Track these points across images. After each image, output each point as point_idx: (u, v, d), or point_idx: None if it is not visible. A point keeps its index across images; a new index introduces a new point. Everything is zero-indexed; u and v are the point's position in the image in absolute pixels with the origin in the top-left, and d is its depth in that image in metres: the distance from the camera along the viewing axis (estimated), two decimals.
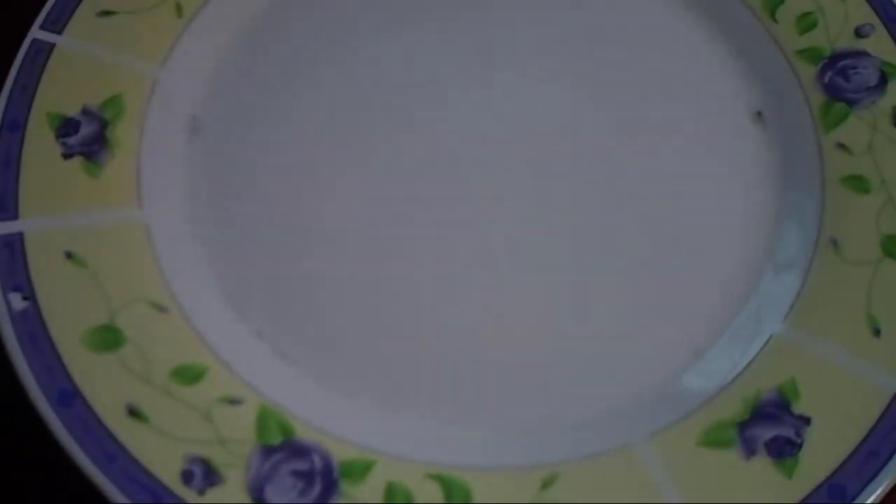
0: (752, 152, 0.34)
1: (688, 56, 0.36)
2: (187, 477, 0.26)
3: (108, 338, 0.29)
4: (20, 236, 0.30)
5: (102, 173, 0.32)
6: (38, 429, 0.27)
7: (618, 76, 0.35)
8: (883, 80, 0.33)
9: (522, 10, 0.36)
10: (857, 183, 0.32)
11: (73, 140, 0.32)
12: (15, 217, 0.30)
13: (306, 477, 0.27)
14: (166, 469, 0.26)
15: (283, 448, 0.27)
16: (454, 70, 0.35)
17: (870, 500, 0.26)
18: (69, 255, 0.30)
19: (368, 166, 0.33)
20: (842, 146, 0.33)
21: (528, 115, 0.34)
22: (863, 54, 0.34)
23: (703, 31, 0.36)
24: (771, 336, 0.30)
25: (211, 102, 0.34)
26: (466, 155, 0.33)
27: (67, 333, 0.28)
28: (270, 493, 0.26)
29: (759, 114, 0.35)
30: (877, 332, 0.29)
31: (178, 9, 0.35)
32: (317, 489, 0.27)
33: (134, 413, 0.27)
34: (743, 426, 0.28)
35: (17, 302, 0.29)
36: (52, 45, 0.33)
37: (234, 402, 0.28)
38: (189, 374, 0.28)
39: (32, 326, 0.28)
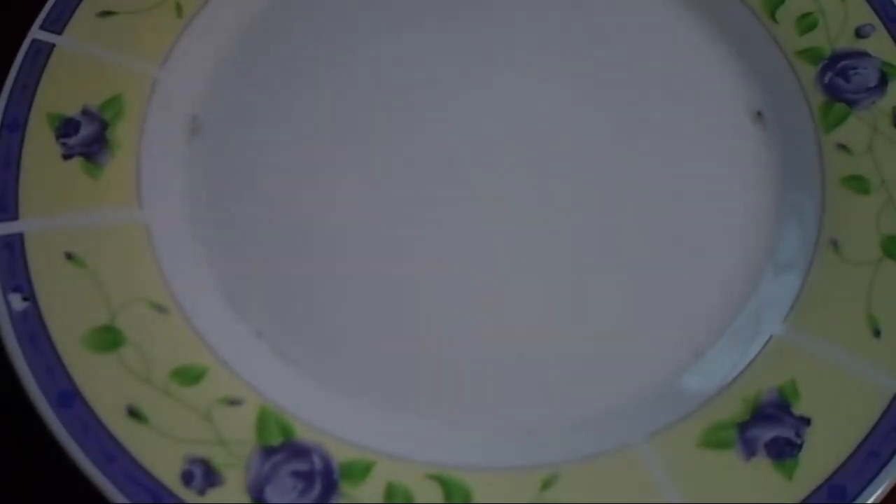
0: (752, 152, 0.34)
1: (688, 56, 0.36)
2: (187, 477, 0.26)
3: (108, 338, 0.29)
4: (20, 237, 0.30)
5: (102, 173, 0.32)
6: (38, 429, 0.27)
7: (618, 76, 0.35)
8: (883, 81, 0.33)
9: (522, 10, 0.36)
10: (857, 183, 0.32)
11: (73, 140, 0.32)
12: (15, 217, 0.30)
13: (306, 477, 0.27)
14: (166, 469, 0.26)
15: (283, 449, 0.27)
16: (454, 70, 0.35)
17: (870, 501, 0.26)
18: (69, 256, 0.30)
19: (368, 166, 0.33)
20: (842, 146, 0.33)
21: (528, 115, 0.34)
22: (863, 55, 0.34)
23: (703, 31, 0.36)
24: (771, 336, 0.30)
25: (211, 102, 0.34)
26: (466, 155, 0.33)
27: (67, 334, 0.28)
28: (270, 493, 0.26)
29: (759, 114, 0.35)
30: (877, 333, 0.29)
31: (178, 9, 0.35)
32: (317, 490, 0.27)
33: (134, 413, 0.27)
34: (743, 427, 0.28)
35: (17, 302, 0.29)
36: (52, 45, 0.33)
37: (234, 402, 0.28)
38: (189, 375, 0.28)
39: (32, 327, 0.28)
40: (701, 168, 0.33)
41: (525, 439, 0.29)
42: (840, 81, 0.34)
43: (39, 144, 0.31)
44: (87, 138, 0.32)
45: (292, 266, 0.32)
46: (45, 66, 0.33)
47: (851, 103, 0.33)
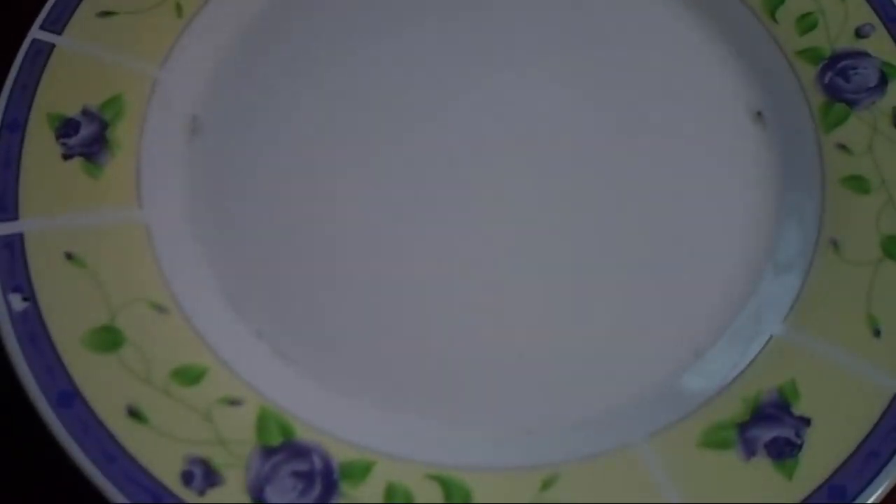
0: (752, 152, 0.34)
1: (688, 56, 0.36)
2: (187, 477, 0.26)
3: (108, 338, 0.29)
4: (20, 237, 0.30)
5: (102, 173, 0.32)
6: (38, 429, 0.27)
7: (618, 76, 0.35)
8: (883, 81, 0.33)
9: (522, 10, 0.36)
10: (857, 183, 0.32)
11: (73, 140, 0.32)
12: (15, 217, 0.30)
13: (306, 478, 0.27)
14: (166, 469, 0.26)
15: (283, 449, 0.27)
16: (454, 70, 0.35)
17: (870, 501, 0.26)
18: (69, 256, 0.30)
19: (368, 166, 0.33)
20: (842, 146, 0.33)
21: (528, 115, 0.34)
22: (863, 55, 0.34)
23: (703, 31, 0.36)
24: (771, 336, 0.30)
25: (211, 102, 0.34)
26: (466, 155, 0.33)
27: (67, 334, 0.28)
28: (270, 493, 0.26)
29: (759, 114, 0.35)
30: (877, 333, 0.29)
31: (178, 9, 0.35)
32: (317, 490, 0.27)
33: (134, 413, 0.27)
34: (743, 427, 0.28)
35: (17, 302, 0.29)
36: (52, 45, 0.33)
37: (234, 402, 0.28)
38: (189, 375, 0.28)
39: (32, 327, 0.28)
40: (701, 168, 0.33)
41: (525, 439, 0.29)
42: (840, 81, 0.34)
43: (39, 144, 0.31)
44: (87, 138, 0.32)
45: (292, 266, 0.32)
46: (45, 66, 0.33)
47: (851, 103, 0.33)
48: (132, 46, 0.34)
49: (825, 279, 0.30)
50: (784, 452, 0.27)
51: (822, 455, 0.27)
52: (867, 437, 0.27)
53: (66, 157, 0.32)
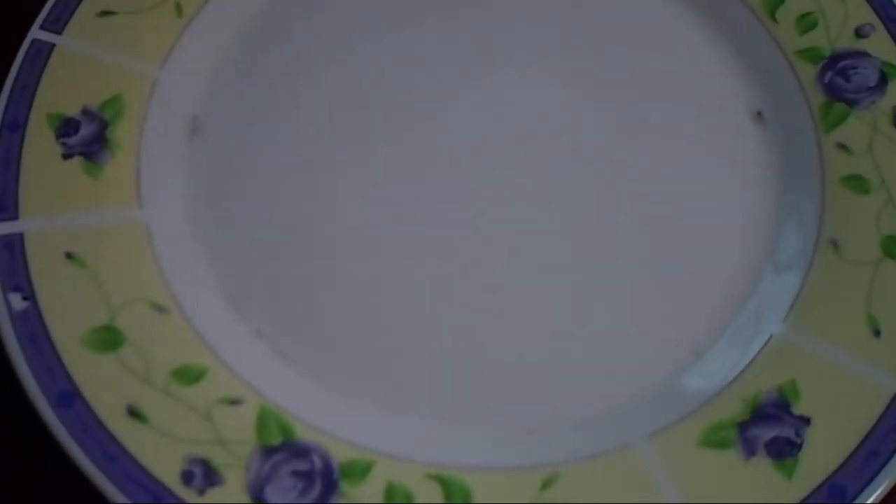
0: (752, 152, 0.34)
1: (688, 56, 0.36)
2: (187, 477, 0.26)
3: (108, 338, 0.29)
4: (20, 236, 0.30)
5: (102, 173, 0.32)
6: (38, 429, 0.27)
7: (618, 76, 0.35)
8: (883, 80, 0.33)
9: (522, 10, 0.36)
10: (857, 183, 0.32)
11: (73, 140, 0.32)
12: (15, 217, 0.30)
13: (306, 477, 0.27)
14: (166, 469, 0.26)
15: (283, 448, 0.27)
16: (454, 70, 0.35)
17: (870, 501, 0.26)
18: (69, 255, 0.30)
19: (368, 166, 0.33)
20: (842, 146, 0.33)
21: (528, 115, 0.34)
22: (863, 54, 0.34)
23: (703, 31, 0.36)
24: (771, 336, 0.30)
25: (211, 102, 0.34)
26: (466, 155, 0.33)
27: (67, 334, 0.28)
28: (270, 493, 0.26)
29: (759, 114, 0.35)
30: (877, 333, 0.29)
31: (178, 9, 0.35)
32: (317, 489, 0.27)
33: (134, 413, 0.27)
34: (743, 426, 0.28)
35: (17, 302, 0.29)
36: (52, 45, 0.33)
37: (234, 402, 0.28)
38: (189, 375, 0.28)
39: (32, 326, 0.28)
40: (701, 168, 0.33)
41: (525, 439, 0.29)
42: (840, 81, 0.34)
43: (39, 144, 0.31)
44: (87, 138, 0.32)
45: (292, 266, 0.32)
46: (45, 66, 0.33)
47: (851, 103, 0.33)
48: (132, 46, 0.34)
49: (825, 279, 0.30)
50: (784, 452, 0.27)
51: (821, 455, 0.27)
52: (867, 436, 0.27)
53: (66, 156, 0.32)
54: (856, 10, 0.35)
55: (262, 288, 0.31)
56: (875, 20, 0.34)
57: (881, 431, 0.27)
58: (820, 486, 0.27)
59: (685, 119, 0.34)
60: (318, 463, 0.27)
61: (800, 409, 0.28)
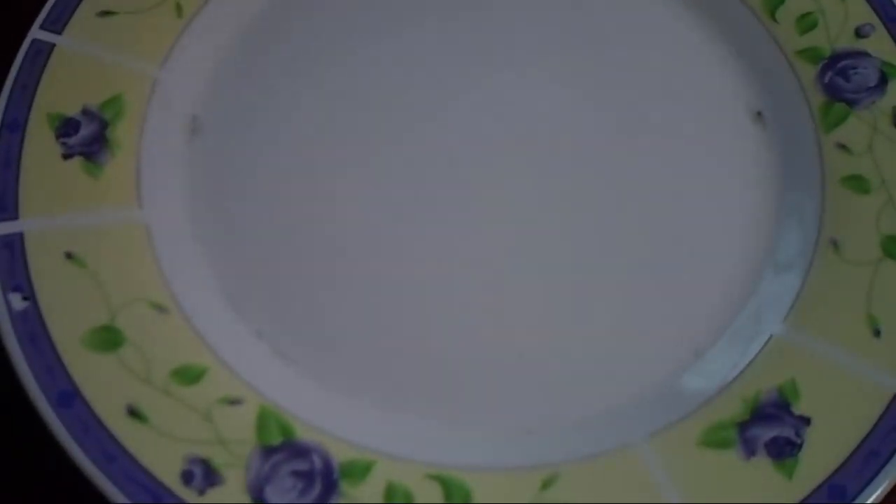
0: (752, 152, 0.34)
1: (688, 56, 0.36)
2: (187, 477, 0.26)
3: (108, 338, 0.29)
4: (20, 236, 0.30)
5: (102, 173, 0.32)
6: (38, 429, 0.27)
7: (618, 76, 0.35)
8: (883, 80, 0.33)
9: (522, 10, 0.36)
10: (857, 183, 0.32)
11: (73, 140, 0.32)
12: (15, 217, 0.30)
13: (306, 477, 0.27)
14: (166, 469, 0.26)
15: (283, 448, 0.27)
16: (454, 70, 0.35)
17: (870, 501, 0.26)
18: (69, 255, 0.30)
19: (368, 166, 0.33)
20: (842, 146, 0.33)
21: (528, 115, 0.34)
22: (863, 54, 0.34)
23: (703, 31, 0.36)
24: (771, 336, 0.30)
25: (211, 102, 0.34)
26: (466, 155, 0.33)
27: (67, 333, 0.28)
28: (270, 493, 0.26)
29: (759, 114, 0.35)
30: (877, 333, 0.29)
31: (178, 9, 0.35)
32: (317, 489, 0.27)
33: (134, 413, 0.27)
34: (743, 426, 0.28)
35: (17, 302, 0.29)
36: (52, 45, 0.33)
37: (234, 402, 0.28)
38: (189, 374, 0.28)
39: (32, 326, 0.28)
40: (701, 168, 0.33)
41: (525, 439, 0.29)
42: (840, 81, 0.34)
43: (39, 144, 0.31)
44: (87, 138, 0.32)
45: (292, 266, 0.32)
46: (45, 66, 0.33)
47: (851, 103, 0.33)
48: (132, 46, 0.34)
49: (825, 279, 0.30)
50: (784, 452, 0.27)
51: (822, 455, 0.27)
52: (867, 436, 0.27)
53: (66, 156, 0.32)
54: (856, 10, 0.35)
55: (262, 288, 0.31)
56: (875, 20, 0.34)
57: (881, 431, 0.27)
58: (820, 486, 0.27)
59: (685, 119, 0.34)
60: (318, 463, 0.27)
61: (800, 409, 0.28)
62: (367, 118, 0.34)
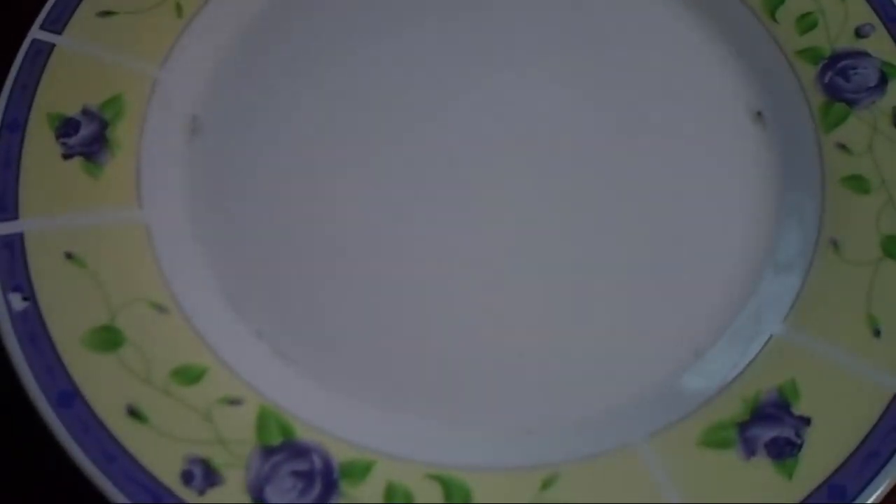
0: (752, 152, 0.34)
1: (688, 56, 0.36)
2: (187, 477, 0.26)
3: (108, 338, 0.29)
4: (20, 236, 0.30)
5: (102, 173, 0.32)
6: (38, 429, 0.27)
7: (618, 76, 0.35)
8: (883, 81, 0.33)
9: (522, 10, 0.36)
10: (857, 183, 0.32)
11: (73, 140, 0.32)
12: (15, 217, 0.30)
13: (306, 477, 0.27)
14: (166, 469, 0.26)
15: (283, 448, 0.27)
16: (454, 70, 0.35)
17: (870, 501, 0.26)
18: (69, 256, 0.30)
19: (368, 166, 0.33)
20: (842, 146, 0.33)
21: (528, 115, 0.34)
22: (863, 54, 0.34)
23: (703, 31, 0.36)
24: (771, 336, 0.30)
25: (211, 102, 0.34)
26: (466, 155, 0.33)
27: (67, 333, 0.28)
28: (270, 493, 0.26)
29: (759, 114, 0.35)
30: (877, 333, 0.29)
31: (178, 9, 0.35)
32: (317, 489, 0.27)
33: (134, 413, 0.27)
34: (743, 426, 0.28)
35: (17, 302, 0.29)
36: (52, 45, 0.33)
37: (234, 402, 0.28)
38: (189, 374, 0.28)
39: (32, 326, 0.28)
40: (701, 168, 0.33)
41: (525, 439, 0.29)
42: (840, 81, 0.34)
43: (39, 144, 0.31)
44: (87, 138, 0.32)
45: (292, 266, 0.32)
46: (45, 66, 0.33)
47: (851, 103, 0.33)
48: (132, 46, 0.34)
49: (825, 279, 0.30)
50: (784, 452, 0.27)
51: (822, 455, 0.27)
52: (867, 436, 0.27)
53: (66, 156, 0.32)
54: (856, 10, 0.35)
55: (262, 288, 0.31)
56: (875, 20, 0.34)
57: (881, 431, 0.27)
58: (820, 487, 0.27)
59: (685, 119, 0.34)
60: (318, 463, 0.27)
61: (800, 409, 0.28)
62: (367, 118, 0.34)
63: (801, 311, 0.30)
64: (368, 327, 0.30)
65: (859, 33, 0.34)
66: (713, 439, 0.28)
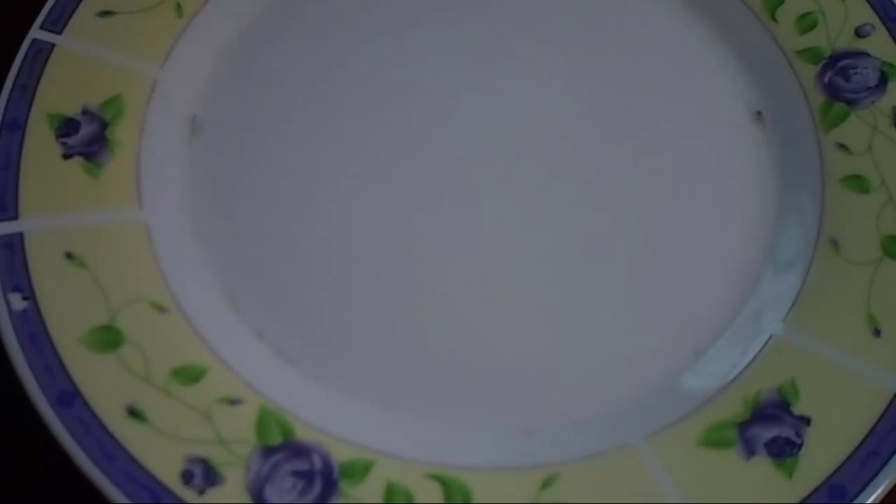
0: (752, 152, 0.34)
1: (688, 56, 0.36)
2: (187, 477, 0.26)
3: (108, 338, 0.29)
4: (20, 236, 0.30)
5: (102, 173, 0.32)
6: (38, 429, 0.27)
7: (618, 76, 0.35)
8: (883, 81, 0.33)
9: (522, 11, 0.36)
10: (857, 183, 0.32)
11: (73, 140, 0.32)
12: (15, 217, 0.30)
13: (306, 477, 0.27)
14: (166, 469, 0.26)
15: (283, 448, 0.27)
16: (454, 70, 0.35)
17: (870, 501, 0.26)
18: (69, 255, 0.30)
19: (368, 166, 0.33)
20: (842, 146, 0.33)
21: (527, 114, 0.34)
22: (863, 54, 0.34)
23: (703, 31, 0.36)
24: (771, 336, 0.30)
25: (211, 102, 0.34)
26: (466, 154, 0.33)
27: (67, 333, 0.28)
28: (270, 493, 0.26)
29: (759, 114, 0.35)
30: (877, 333, 0.29)
31: (178, 9, 0.35)
32: (317, 489, 0.27)
33: (134, 413, 0.27)
34: (743, 426, 0.28)
35: (17, 302, 0.29)
36: (52, 45, 0.33)
37: (234, 402, 0.28)
38: (189, 374, 0.28)
39: (32, 326, 0.28)
40: (701, 168, 0.33)
41: (525, 439, 0.29)
42: (840, 81, 0.34)
43: (39, 144, 0.31)
44: (87, 138, 0.32)
45: (292, 266, 0.32)
46: (45, 66, 0.33)
47: (851, 103, 0.33)
48: (132, 46, 0.34)
49: (825, 279, 0.30)
50: (784, 452, 0.27)
51: (821, 454, 0.27)
52: (867, 436, 0.27)
53: (66, 156, 0.32)
54: (856, 10, 0.35)
55: (262, 288, 0.31)
56: (875, 20, 0.34)
57: (881, 431, 0.27)
58: (820, 486, 0.27)
59: (685, 119, 0.34)
60: (318, 463, 0.27)
61: (800, 409, 0.28)
62: (367, 118, 0.34)
63: (800, 311, 0.30)
64: (368, 327, 0.30)
65: (859, 33, 0.34)
66: (713, 439, 0.28)
